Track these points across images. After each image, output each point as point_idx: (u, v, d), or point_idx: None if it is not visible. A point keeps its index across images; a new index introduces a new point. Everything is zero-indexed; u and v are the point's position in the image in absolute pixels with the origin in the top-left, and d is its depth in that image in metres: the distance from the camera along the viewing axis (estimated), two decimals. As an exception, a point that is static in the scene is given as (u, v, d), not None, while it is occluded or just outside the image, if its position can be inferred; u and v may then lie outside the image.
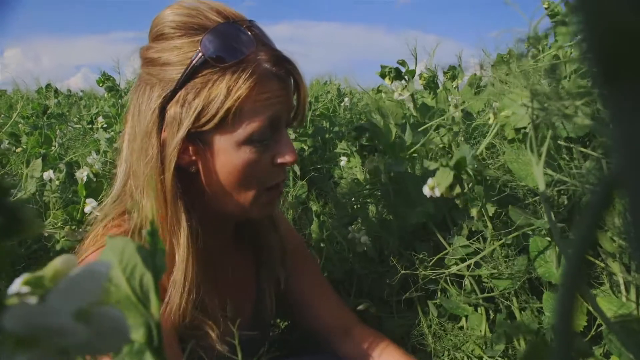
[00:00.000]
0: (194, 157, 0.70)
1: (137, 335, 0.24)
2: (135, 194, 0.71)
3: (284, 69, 0.70)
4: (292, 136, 1.73)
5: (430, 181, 0.92)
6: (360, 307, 1.06)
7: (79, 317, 0.18)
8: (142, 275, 0.24)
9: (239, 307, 0.83)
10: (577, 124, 0.78)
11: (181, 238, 0.70)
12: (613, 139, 0.13)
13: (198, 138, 0.69)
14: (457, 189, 0.86)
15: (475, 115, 1.25)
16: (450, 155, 1.14)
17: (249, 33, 0.69)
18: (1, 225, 0.18)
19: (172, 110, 0.67)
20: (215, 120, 0.66)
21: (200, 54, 0.66)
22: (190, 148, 0.70)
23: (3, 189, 0.18)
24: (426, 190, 0.91)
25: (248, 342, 0.74)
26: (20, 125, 2.19)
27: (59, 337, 0.17)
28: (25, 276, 0.19)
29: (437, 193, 0.90)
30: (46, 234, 1.27)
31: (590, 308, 0.81)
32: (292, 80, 0.72)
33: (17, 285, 0.19)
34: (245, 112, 0.67)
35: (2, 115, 2.51)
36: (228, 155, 0.69)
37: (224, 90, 0.66)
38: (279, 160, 0.72)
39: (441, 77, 1.37)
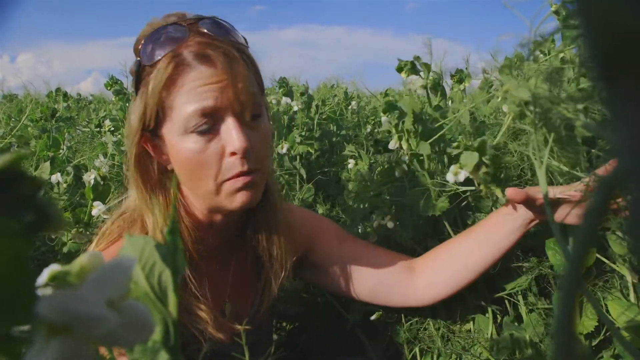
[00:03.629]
0: (163, 156, 0.75)
1: (154, 333, 0.24)
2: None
3: (212, 56, 0.68)
4: (298, 139, 1.73)
5: (453, 167, 0.92)
6: (373, 317, 1.05)
7: (109, 306, 0.18)
8: (160, 273, 0.24)
9: (238, 308, 0.84)
10: (580, 126, 0.78)
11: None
12: (614, 139, 0.13)
13: (153, 137, 0.74)
14: (484, 168, 0.86)
15: (484, 119, 1.24)
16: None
17: (184, 28, 0.70)
18: (32, 221, 0.18)
19: (131, 116, 0.74)
20: (153, 117, 0.71)
21: (138, 60, 0.73)
22: (157, 147, 0.75)
23: (34, 185, 0.18)
24: (450, 177, 0.92)
25: (248, 342, 0.74)
26: (29, 129, 2.21)
27: (92, 324, 0.17)
28: (52, 269, 0.20)
29: (462, 177, 0.90)
30: (54, 236, 1.28)
31: (595, 311, 0.81)
32: (230, 67, 0.69)
33: (45, 277, 0.20)
34: (173, 104, 0.69)
35: (13, 119, 2.54)
36: (177, 148, 0.71)
37: (151, 87, 0.69)
38: (228, 150, 0.70)
39: (449, 81, 1.37)
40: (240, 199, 0.73)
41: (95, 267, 0.20)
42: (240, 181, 0.72)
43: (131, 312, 0.20)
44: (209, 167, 0.70)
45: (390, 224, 1.07)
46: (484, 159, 0.86)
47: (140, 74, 0.72)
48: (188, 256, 0.75)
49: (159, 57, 0.69)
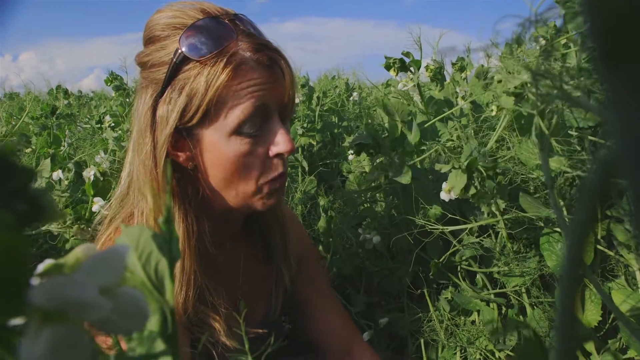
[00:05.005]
0: (189, 154, 0.72)
1: (151, 322, 0.24)
2: (136, 194, 0.73)
3: (266, 57, 0.69)
4: (300, 131, 1.73)
5: (445, 185, 0.92)
6: (364, 336, 1.05)
7: (103, 293, 0.18)
8: (157, 262, 0.24)
9: (251, 304, 0.84)
10: (583, 110, 0.77)
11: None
12: (611, 122, 0.13)
13: (188, 134, 0.70)
14: (472, 190, 0.86)
15: (483, 107, 1.24)
16: (459, 150, 1.14)
17: (229, 25, 0.69)
18: (24, 213, 0.18)
19: (161, 109, 0.69)
20: (199, 114, 0.68)
21: (179, 51, 0.68)
22: (184, 145, 0.71)
23: (25, 176, 0.18)
24: (444, 195, 0.92)
25: (259, 339, 0.74)
26: (30, 126, 2.21)
27: (85, 311, 0.17)
28: (47, 263, 0.20)
29: (454, 195, 0.90)
30: (56, 233, 1.28)
31: (599, 299, 0.80)
32: (279, 69, 0.71)
33: (40, 270, 0.19)
34: (228, 103, 0.68)
35: (14, 117, 2.54)
36: (219, 148, 0.70)
37: (203, 84, 0.67)
38: (274, 151, 0.71)
39: (450, 69, 1.36)
40: (272, 201, 0.75)
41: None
42: (278, 183, 0.74)
43: (125, 299, 0.19)
44: (253, 168, 0.71)
45: (376, 239, 1.08)
46: (474, 176, 0.86)
47: (180, 65, 0.68)
48: (202, 252, 0.74)
49: (211, 53, 0.67)
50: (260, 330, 0.78)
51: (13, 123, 2.36)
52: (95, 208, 1.18)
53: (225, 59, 0.67)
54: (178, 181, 0.72)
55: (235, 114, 0.68)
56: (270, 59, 0.70)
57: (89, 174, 1.26)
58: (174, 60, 0.68)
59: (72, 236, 1.25)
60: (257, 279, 0.88)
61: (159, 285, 0.24)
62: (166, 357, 0.23)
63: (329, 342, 0.92)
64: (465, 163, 0.86)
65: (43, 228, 1.24)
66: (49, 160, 1.52)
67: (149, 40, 0.72)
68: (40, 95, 3.23)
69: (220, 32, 0.68)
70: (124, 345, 0.23)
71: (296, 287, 0.93)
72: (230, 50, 0.67)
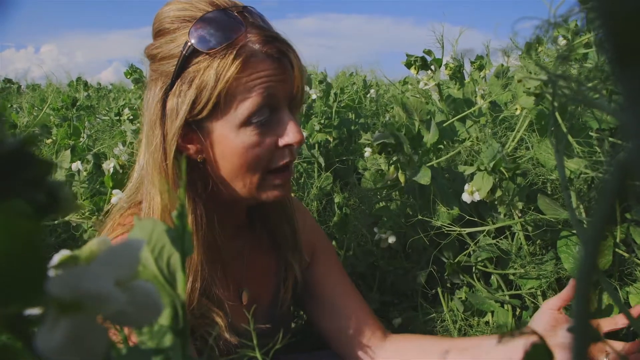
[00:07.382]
0: (198, 146, 0.72)
1: (163, 316, 0.24)
2: (147, 187, 0.74)
3: (275, 49, 0.70)
4: (317, 127, 1.73)
5: (467, 186, 0.91)
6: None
7: (117, 286, 0.18)
8: (169, 256, 0.24)
9: (256, 296, 0.84)
10: (602, 112, 0.76)
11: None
12: (627, 124, 0.13)
13: (197, 127, 0.71)
14: (499, 192, 0.85)
15: (502, 107, 1.22)
16: (478, 150, 1.13)
17: (238, 17, 0.70)
18: (42, 203, 0.18)
19: (171, 101, 0.70)
20: (209, 106, 0.68)
21: (188, 44, 0.68)
22: (193, 138, 0.72)
23: (44, 168, 0.18)
24: (466, 197, 0.91)
25: (264, 331, 0.74)
26: (51, 117, 2.25)
27: (101, 302, 0.17)
28: (62, 254, 0.20)
29: (478, 197, 0.89)
30: (74, 224, 1.30)
31: (612, 303, 0.79)
32: (288, 61, 0.72)
33: (56, 261, 0.20)
34: (238, 95, 0.69)
35: (36, 108, 2.58)
36: (229, 140, 0.70)
37: (212, 76, 0.67)
38: (283, 142, 0.72)
39: (468, 68, 1.35)
40: (279, 193, 0.76)
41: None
42: (283, 176, 0.74)
43: (140, 292, 0.20)
44: (261, 159, 0.72)
45: (391, 239, 1.07)
46: (498, 180, 0.85)
47: (189, 58, 0.68)
48: (210, 244, 0.74)
49: (220, 46, 0.67)
50: (264, 326, 0.77)
51: (35, 114, 2.40)
52: (114, 200, 1.19)
53: (234, 52, 0.67)
54: (187, 174, 0.72)
55: (244, 106, 0.69)
56: (279, 51, 0.70)
57: (109, 166, 1.28)
58: (184, 52, 0.68)
59: (91, 227, 1.27)
60: (262, 270, 0.87)
61: (170, 279, 0.24)
62: (176, 350, 0.23)
63: (363, 328, 0.87)
64: (492, 164, 0.85)
65: (62, 219, 1.26)
66: (69, 151, 1.54)
67: (158, 33, 0.73)
68: (61, 87, 3.28)
69: (229, 24, 0.69)
70: (134, 339, 0.23)
71: (312, 281, 0.91)
72: (240, 43, 0.68)
